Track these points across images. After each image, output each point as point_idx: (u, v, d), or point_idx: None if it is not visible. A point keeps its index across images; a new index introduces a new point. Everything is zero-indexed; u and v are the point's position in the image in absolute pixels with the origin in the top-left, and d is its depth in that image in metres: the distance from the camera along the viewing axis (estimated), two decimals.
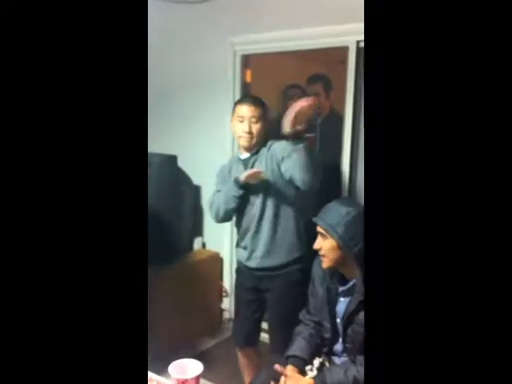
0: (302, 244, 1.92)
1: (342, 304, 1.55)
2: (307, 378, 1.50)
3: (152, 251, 1.63)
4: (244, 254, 1.96)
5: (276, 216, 1.86)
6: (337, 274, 1.57)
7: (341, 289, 1.56)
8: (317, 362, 1.60)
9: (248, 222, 1.90)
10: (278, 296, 1.91)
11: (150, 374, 1.45)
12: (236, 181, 1.81)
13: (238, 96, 2.70)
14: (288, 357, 1.58)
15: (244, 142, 1.87)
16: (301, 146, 1.68)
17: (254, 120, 1.83)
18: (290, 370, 1.52)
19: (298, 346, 1.60)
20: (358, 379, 1.41)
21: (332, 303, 1.57)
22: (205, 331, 2.81)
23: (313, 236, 1.84)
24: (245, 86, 2.78)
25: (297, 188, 1.78)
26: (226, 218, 1.96)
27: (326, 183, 2.51)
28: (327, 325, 1.59)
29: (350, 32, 2.25)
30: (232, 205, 1.86)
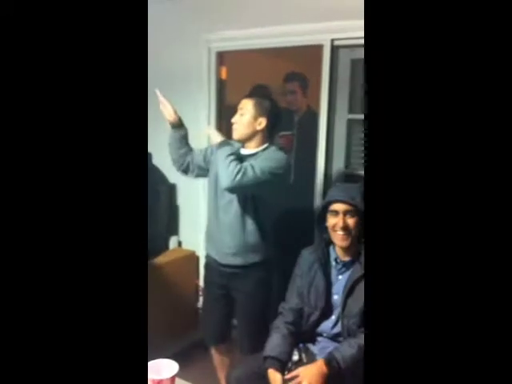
0: (269, 244, 1.91)
1: (341, 281, 1.59)
2: (317, 361, 1.48)
3: None
4: (212, 247, 1.96)
5: (245, 213, 1.84)
6: (332, 255, 1.63)
7: (339, 266, 1.61)
8: (293, 357, 1.60)
9: (217, 216, 1.89)
10: (246, 296, 1.90)
11: None
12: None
13: (213, 93, 2.69)
14: (266, 357, 1.55)
15: (233, 132, 1.87)
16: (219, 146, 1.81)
17: (240, 112, 1.83)
18: (271, 374, 1.51)
19: (276, 346, 1.57)
20: (362, 346, 1.43)
21: (329, 283, 1.61)
22: (180, 330, 2.78)
23: (279, 236, 1.86)
24: (220, 83, 2.76)
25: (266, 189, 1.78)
26: (178, 167, 2.08)
27: (301, 180, 2.53)
28: (311, 309, 1.60)
29: (324, 30, 2.27)
30: (173, 152, 2.06)
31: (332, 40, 2.29)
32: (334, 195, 1.59)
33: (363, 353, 1.38)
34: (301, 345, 1.64)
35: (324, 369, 1.43)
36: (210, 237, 1.99)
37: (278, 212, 1.96)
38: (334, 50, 2.31)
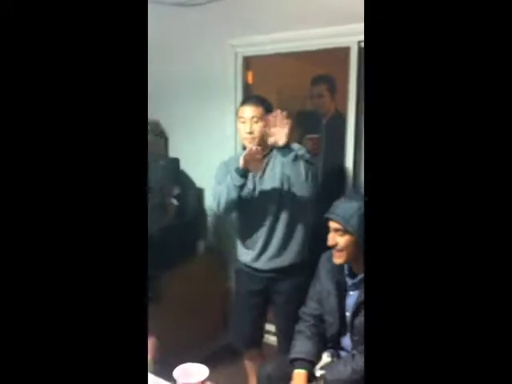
0: (308, 246, 1.93)
1: (352, 298, 1.56)
2: None
3: (155, 255, 1.66)
4: (251, 254, 1.95)
5: (290, 218, 1.86)
6: (346, 268, 1.58)
7: (350, 282, 1.58)
8: (326, 358, 1.60)
9: (260, 223, 1.90)
10: (286, 297, 1.91)
11: (156, 379, 1.44)
12: (236, 170, 1.78)
13: (239, 98, 2.70)
14: (293, 360, 1.57)
15: (247, 143, 1.86)
16: (299, 159, 1.68)
17: (255, 120, 1.82)
18: (296, 375, 1.52)
19: (302, 347, 1.60)
20: (356, 369, 1.44)
21: (342, 297, 1.58)
22: (209, 335, 2.79)
23: (319, 238, 1.85)
24: (246, 88, 2.77)
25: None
26: (227, 209, 1.89)
27: (330, 184, 2.51)
28: (331, 319, 1.59)
29: (351, 32, 2.24)
30: (233, 194, 1.81)
31: (359, 42, 2.27)
32: (329, 211, 1.55)
33: (355, 376, 1.42)
34: (332, 350, 1.64)
35: None
36: (245, 243, 1.99)
37: (310, 215, 1.96)
38: (361, 51, 2.28)
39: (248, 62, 2.75)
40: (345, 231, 1.48)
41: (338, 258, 1.53)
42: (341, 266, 1.58)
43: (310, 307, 1.68)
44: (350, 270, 1.58)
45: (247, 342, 2.09)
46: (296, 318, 1.83)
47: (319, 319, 1.65)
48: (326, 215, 1.54)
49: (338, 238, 1.51)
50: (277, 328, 2.05)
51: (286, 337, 1.93)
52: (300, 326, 1.68)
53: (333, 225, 1.52)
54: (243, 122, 1.84)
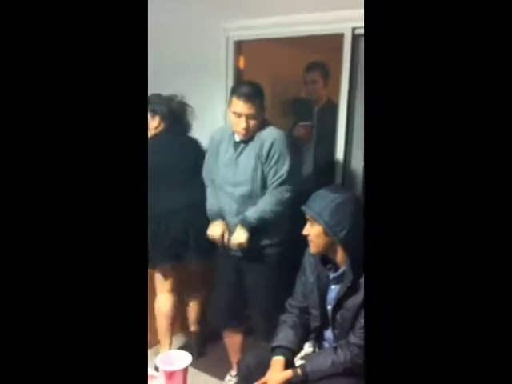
0: (283, 228, 1.92)
1: (333, 291, 1.56)
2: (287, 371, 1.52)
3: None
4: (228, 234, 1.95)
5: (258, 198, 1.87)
6: (328, 262, 1.58)
7: (332, 276, 1.58)
8: (307, 349, 1.59)
9: (230, 201, 1.91)
10: (258, 279, 1.91)
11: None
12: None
13: (230, 83, 2.66)
14: (274, 347, 1.58)
15: (241, 136, 1.87)
16: None
17: (251, 117, 1.81)
18: (274, 361, 1.53)
19: (283, 336, 1.61)
20: (337, 362, 1.45)
21: (323, 290, 1.58)
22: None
23: (299, 222, 1.85)
24: (238, 73, 2.73)
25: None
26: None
27: (320, 171, 2.50)
28: (315, 312, 1.60)
29: (345, 19, 2.21)
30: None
31: (353, 29, 2.24)
32: (306, 203, 1.57)
33: (335, 369, 1.43)
34: (314, 341, 1.63)
35: (291, 377, 1.50)
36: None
37: (297, 201, 1.94)
38: (355, 38, 2.26)
39: (239, 47, 2.71)
40: (315, 222, 1.50)
41: (311, 248, 1.56)
42: (323, 260, 1.59)
43: (296, 299, 1.69)
44: (332, 263, 1.57)
45: (229, 320, 2.08)
46: (268, 299, 1.85)
47: (304, 311, 1.65)
48: (302, 207, 1.56)
49: (310, 229, 1.52)
50: (253, 309, 2.03)
51: (260, 318, 1.95)
52: (285, 317, 1.68)
53: (307, 215, 1.54)
54: (239, 117, 1.82)
